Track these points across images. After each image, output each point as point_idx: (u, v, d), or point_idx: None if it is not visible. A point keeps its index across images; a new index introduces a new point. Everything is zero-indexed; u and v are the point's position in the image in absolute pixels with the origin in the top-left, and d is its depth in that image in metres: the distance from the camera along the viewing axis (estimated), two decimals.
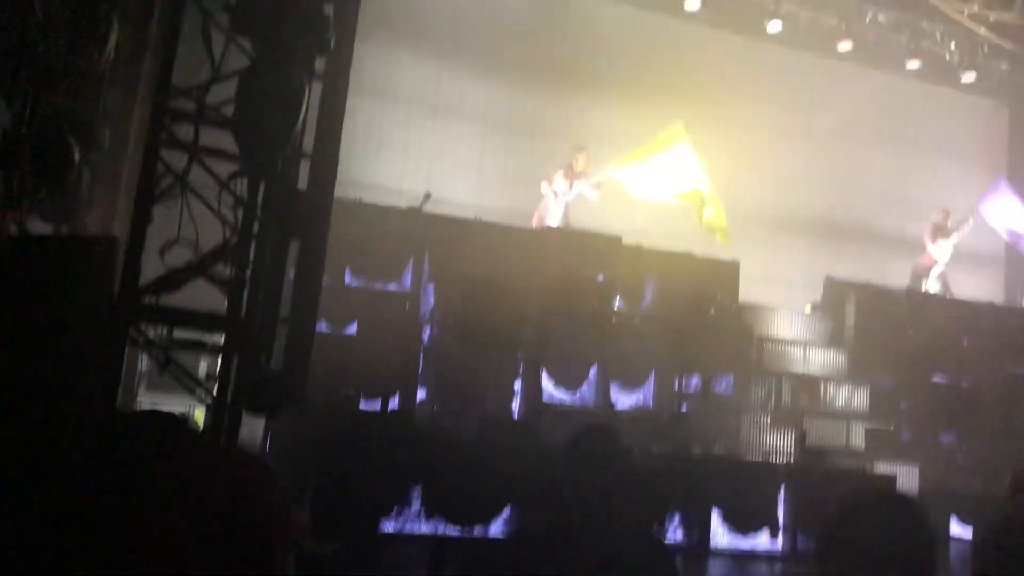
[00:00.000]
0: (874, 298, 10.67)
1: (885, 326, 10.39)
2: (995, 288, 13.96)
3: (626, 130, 12.46)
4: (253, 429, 8.81)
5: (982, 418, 10.07)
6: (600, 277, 9.24)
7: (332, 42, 5.00)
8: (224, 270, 4.99)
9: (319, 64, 5.19)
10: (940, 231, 11.93)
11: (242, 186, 5.16)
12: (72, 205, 5.43)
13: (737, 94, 13.01)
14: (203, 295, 5.27)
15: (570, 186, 10.64)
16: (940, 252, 11.90)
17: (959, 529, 8.52)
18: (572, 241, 9.50)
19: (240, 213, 5.12)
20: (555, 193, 10.62)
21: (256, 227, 5.04)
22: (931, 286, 11.81)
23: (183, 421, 4.47)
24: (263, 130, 4.60)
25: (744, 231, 12.58)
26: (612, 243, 9.61)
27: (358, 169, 12.09)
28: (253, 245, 5.02)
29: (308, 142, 5.35)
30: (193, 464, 1.33)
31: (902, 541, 1.90)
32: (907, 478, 8.39)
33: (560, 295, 8.64)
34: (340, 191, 10.04)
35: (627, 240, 9.76)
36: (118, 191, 7.09)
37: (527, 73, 12.48)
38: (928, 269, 11.93)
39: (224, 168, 5.22)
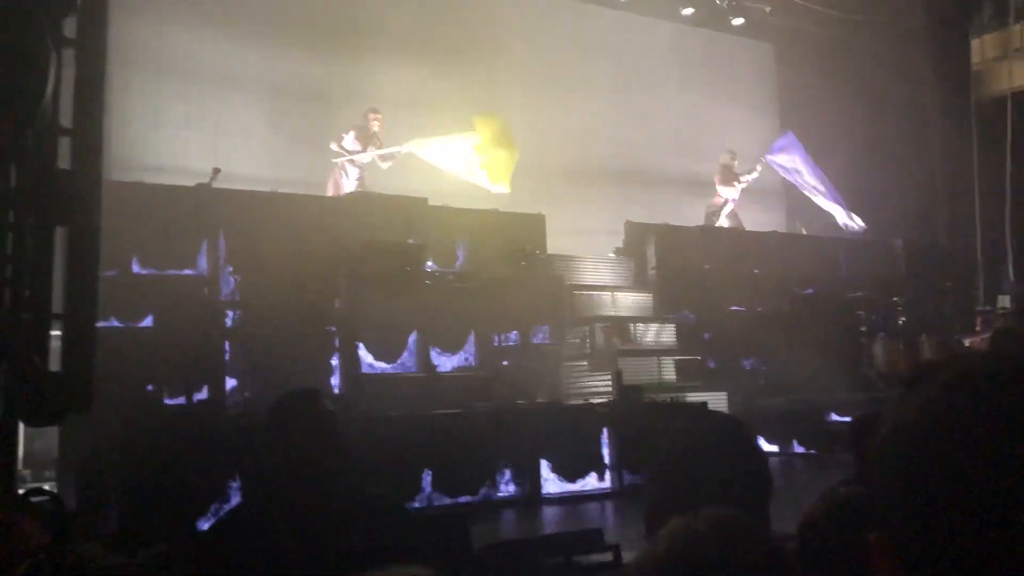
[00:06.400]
0: (671, 238, 11.15)
1: (684, 264, 10.89)
2: (778, 217, 14.98)
3: (420, 91, 12.27)
4: (48, 441, 8.03)
5: (777, 339, 10.81)
6: (410, 241, 9.05)
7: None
8: None
9: (69, 28, 4.62)
10: (728, 172, 12.59)
11: None
12: None
13: (528, 49, 13.11)
14: None
15: (364, 149, 10.32)
16: (730, 192, 12.57)
17: (767, 445, 9.16)
18: (376, 206, 9.22)
19: None
20: (345, 151, 10.29)
21: (12, 215, 4.45)
22: (724, 223, 12.49)
23: None
24: (3, 101, 4.03)
25: (547, 185, 12.79)
26: (418, 205, 9.43)
27: (139, 150, 11.15)
28: (11, 236, 4.44)
29: (68, 119, 4.78)
30: None
31: (736, 461, 1.88)
32: (717, 403, 8.85)
33: (370, 262, 8.37)
34: (120, 175, 9.32)
35: (432, 201, 9.62)
36: None
37: (312, 34, 11.93)
38: (720, 208, 12.60)
39: None
